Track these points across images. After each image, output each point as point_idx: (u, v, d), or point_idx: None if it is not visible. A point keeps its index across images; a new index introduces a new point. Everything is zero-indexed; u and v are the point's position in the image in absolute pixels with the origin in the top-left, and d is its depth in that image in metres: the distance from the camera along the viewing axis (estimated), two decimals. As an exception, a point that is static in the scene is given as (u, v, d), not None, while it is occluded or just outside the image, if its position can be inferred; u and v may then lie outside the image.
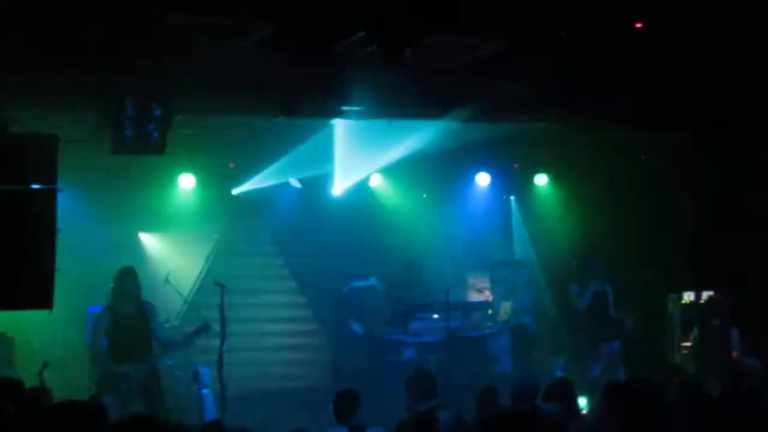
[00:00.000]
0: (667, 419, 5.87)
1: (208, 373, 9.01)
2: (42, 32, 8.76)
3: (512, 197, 15.82)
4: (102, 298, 11.79)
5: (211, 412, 8.67)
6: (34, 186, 9.34)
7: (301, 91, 10.39)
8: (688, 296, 13.69)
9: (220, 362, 10.89)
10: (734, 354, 12.71)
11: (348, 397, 8.49)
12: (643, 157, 13.94)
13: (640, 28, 9.67)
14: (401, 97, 10.97)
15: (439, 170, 14.70)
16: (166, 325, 12.35)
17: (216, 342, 11.18)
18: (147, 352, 10.94)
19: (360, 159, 14.13)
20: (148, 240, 14.16)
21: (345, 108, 11.29)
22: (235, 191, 14.26)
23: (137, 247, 13.83)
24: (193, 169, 13.83)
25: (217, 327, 11.15)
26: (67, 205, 10.33)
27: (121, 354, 10.71)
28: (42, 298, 9.29)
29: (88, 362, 12.18)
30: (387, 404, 11.36)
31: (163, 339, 11.13)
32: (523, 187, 15.66)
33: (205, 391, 8.72)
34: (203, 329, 11.11)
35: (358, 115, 11.79)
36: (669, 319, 13.72)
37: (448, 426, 6.66)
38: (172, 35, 8.96)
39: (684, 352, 13.37)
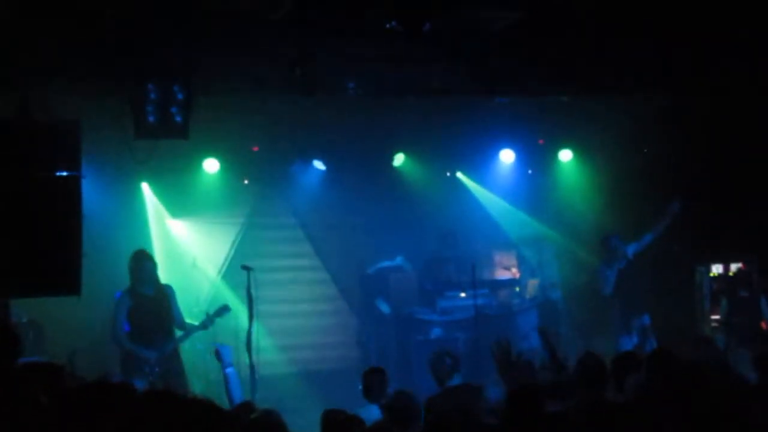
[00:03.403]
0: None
1: (229, 351, 8.92)
2: (63, 15, 8.77)
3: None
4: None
5: (237, 391, 8.60)
6: (59, 173, 9.33)
7: (321, 69, 10.33)
8: (717, 268, 13.61)
9: (249, 344, 10.92)
10: (764, 325, 12.62)
11: (377, 376, 8.51)
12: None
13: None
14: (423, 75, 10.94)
15: (463, 148, 14.64)
16: (194, 309, 12.41)
17: (244, 324, 11.22)
18: (169, 333, 10.99)
19: (384, 137, 14.11)
20: (174, 225, 14.19)
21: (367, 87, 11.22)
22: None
23: (163, 233, 13.85)
24: (216, 154, 13.81)
25: (243, 309, 11.19)
26: (92, 192, 10.34)
27: (143, 336, 10.75)
28: (70, 285, 9.24)
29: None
30: (416, 382, 11.36)
31: (181, 322, 11.18)
32: (548, 163, 15.53)
33: (229, 369, 8.65)
34: (223, 311, 11.18)
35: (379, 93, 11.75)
36: (697, 291, 13.65)
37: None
38: (192, 16, 8.95)
39: (713, 324, 13.30)
